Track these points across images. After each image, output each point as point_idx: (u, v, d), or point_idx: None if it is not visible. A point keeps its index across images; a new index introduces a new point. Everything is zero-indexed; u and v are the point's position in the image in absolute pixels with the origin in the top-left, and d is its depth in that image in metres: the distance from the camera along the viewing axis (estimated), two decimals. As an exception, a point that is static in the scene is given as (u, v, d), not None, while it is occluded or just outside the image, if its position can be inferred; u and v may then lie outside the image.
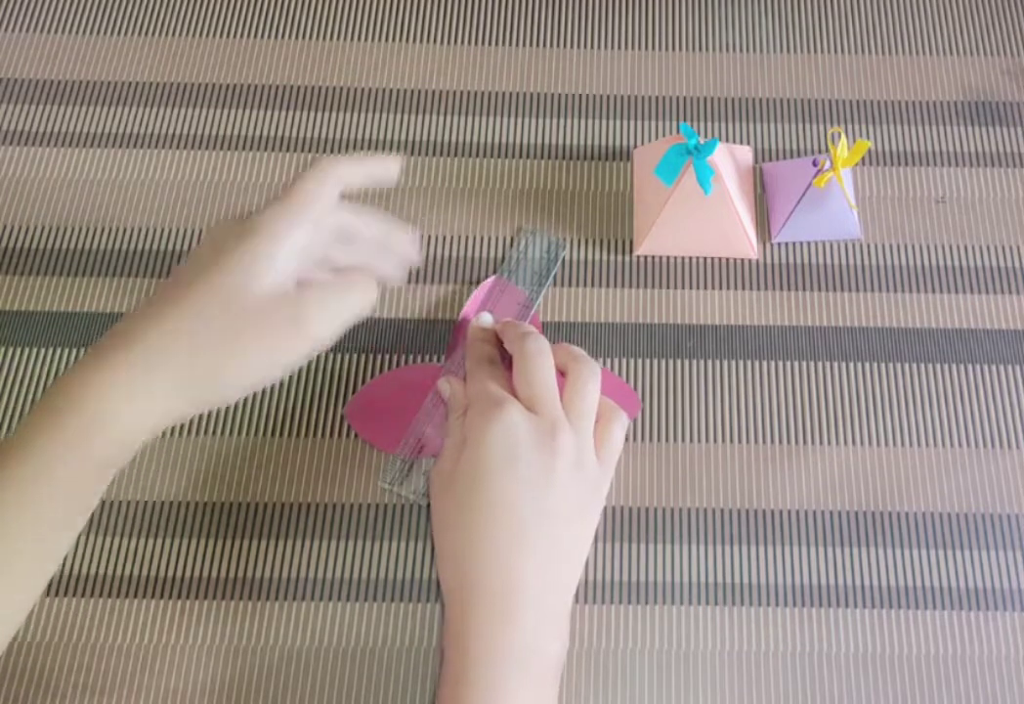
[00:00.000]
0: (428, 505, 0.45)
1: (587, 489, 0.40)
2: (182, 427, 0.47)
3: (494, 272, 0.51)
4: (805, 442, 0.47)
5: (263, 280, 0.36)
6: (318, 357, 0.49)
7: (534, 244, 0.51)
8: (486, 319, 0.47)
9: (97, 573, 0.44)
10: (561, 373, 0.42)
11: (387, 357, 0.49)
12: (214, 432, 0.47)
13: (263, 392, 0.48)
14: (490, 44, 0.58)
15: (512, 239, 0.52)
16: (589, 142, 0.55)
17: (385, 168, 0.41)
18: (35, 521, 0.35)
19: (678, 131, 0.55)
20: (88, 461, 0.35)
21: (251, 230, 0.37)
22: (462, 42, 0.58)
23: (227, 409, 0.47)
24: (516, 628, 0.37)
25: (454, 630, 0.37)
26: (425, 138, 0.55)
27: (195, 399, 0.37)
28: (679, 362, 0.49)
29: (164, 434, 0.47)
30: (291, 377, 0.48)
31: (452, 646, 0.37)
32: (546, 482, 0.38)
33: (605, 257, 0.51)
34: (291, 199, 0.38)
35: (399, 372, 0.49)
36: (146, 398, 0.35)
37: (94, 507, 0.37)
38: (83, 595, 0.44)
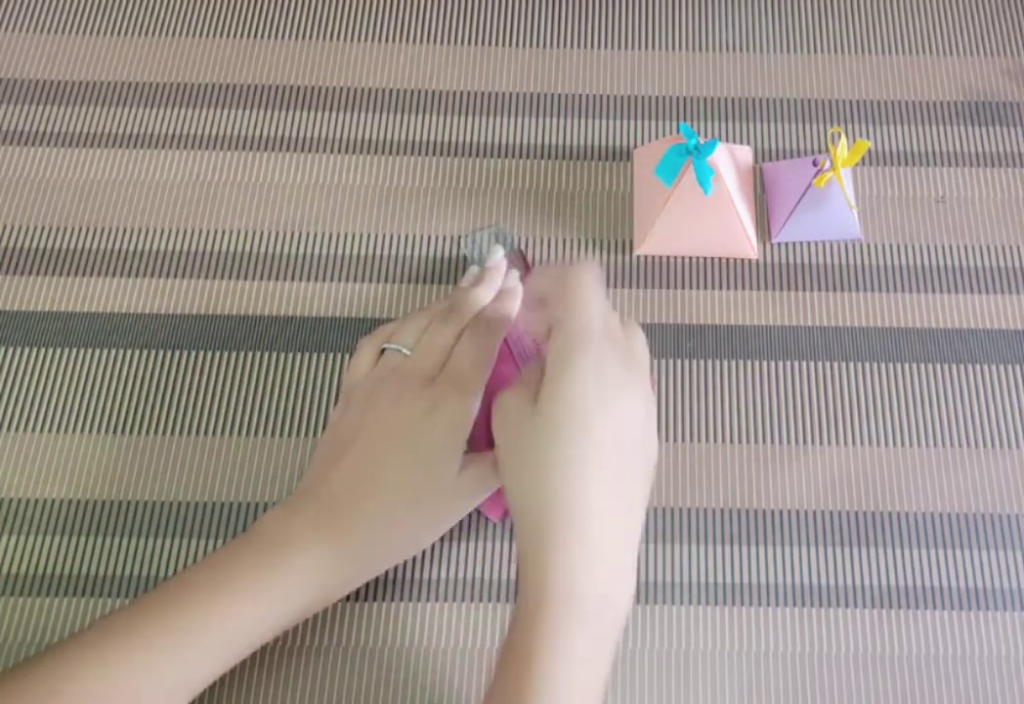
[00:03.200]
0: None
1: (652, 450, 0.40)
2: (181, 427, 0.47)
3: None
4: (805, 442, 0.47)
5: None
6: (319, 359, 0.49)
7: (483, 242, 0.50)
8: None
9: (97, 573, 0.44)
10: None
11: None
12: (212, 432, 0.47)
13: (261, 393, 0.48)
14: (490, 44, 0.58)
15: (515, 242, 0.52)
16: (589, 142, 0.55)
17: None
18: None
19: (678, 131, 0.55)
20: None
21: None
22: (462, 42, 0.58)
23: (225, 409, 0.47)
24: (595, 571, 0.36)
25: (531, 557, 0.36)
26: (425, 138, 0.55)
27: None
28: (679, 362, 0.49)
29: (161, 433, 0.47)
30: (291, 378, 0.48)
31: (529, 572, 0.36)
32: (632, 424, 0.38)
33: (605, 257, 0.51)
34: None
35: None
36: None
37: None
38: (83, 595, 0.44)
